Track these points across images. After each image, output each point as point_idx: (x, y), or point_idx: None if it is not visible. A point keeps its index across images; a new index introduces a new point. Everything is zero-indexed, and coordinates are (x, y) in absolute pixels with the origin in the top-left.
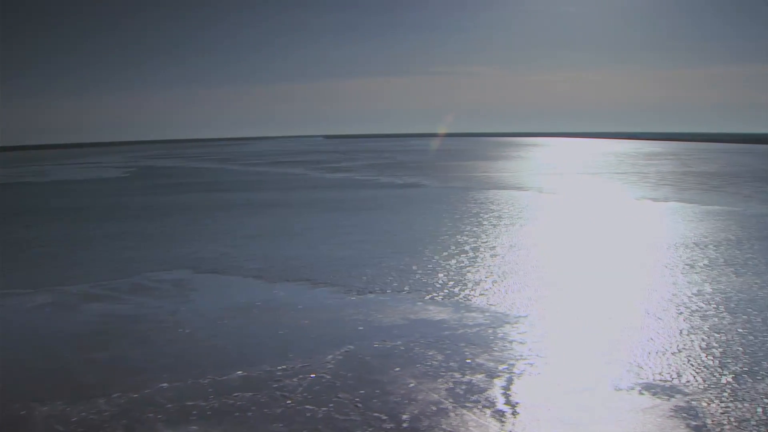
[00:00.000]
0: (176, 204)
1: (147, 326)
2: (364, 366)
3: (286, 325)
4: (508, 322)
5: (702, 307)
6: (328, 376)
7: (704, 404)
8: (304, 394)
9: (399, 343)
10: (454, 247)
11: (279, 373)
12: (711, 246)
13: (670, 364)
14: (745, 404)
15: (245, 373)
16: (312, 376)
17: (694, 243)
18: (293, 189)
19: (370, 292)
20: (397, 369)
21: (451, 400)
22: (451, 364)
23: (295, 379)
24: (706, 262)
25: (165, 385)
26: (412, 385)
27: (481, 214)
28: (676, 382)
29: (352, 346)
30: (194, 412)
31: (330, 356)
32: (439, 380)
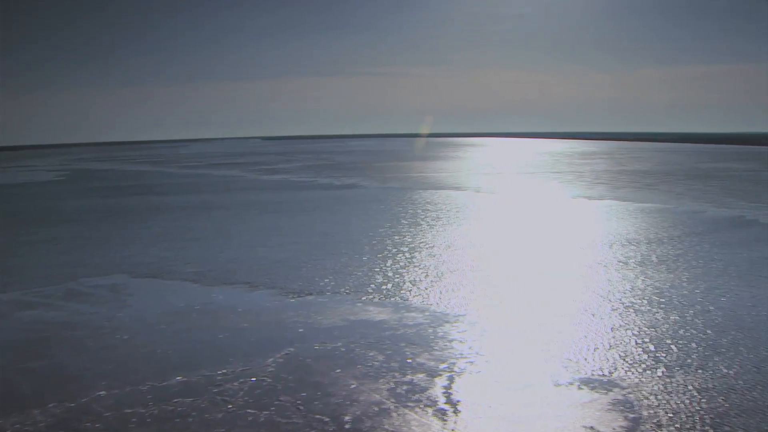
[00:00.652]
0: (112, 208)
1: (83, 333)
2: (305, 368)
3: (226, 329)
4: (447, 321)
5: (635, 303)
6: (268, 380)
7: (640, 397)
8: (245, 398)
9: (339, 344)
10: (392, 248)
11: (219, 378)
12: (644, 243)
13: (607, 360)
14: (678, 396)
15: (185, 379)
16: (252, 379)
17: (627, 240)
18: (230, 191)
19: (309, 294)
20: (338, 370)
21: (393, 400)
22: (392, 364)
23: (235, 383)
24: (639, 258)
25: (103, 393)
26: (353, 386)
27: (419, 215)
28: (612, 376)
29: (292, 349)
30: (133, 420)
31: (270, 359)
32: (381, 380)
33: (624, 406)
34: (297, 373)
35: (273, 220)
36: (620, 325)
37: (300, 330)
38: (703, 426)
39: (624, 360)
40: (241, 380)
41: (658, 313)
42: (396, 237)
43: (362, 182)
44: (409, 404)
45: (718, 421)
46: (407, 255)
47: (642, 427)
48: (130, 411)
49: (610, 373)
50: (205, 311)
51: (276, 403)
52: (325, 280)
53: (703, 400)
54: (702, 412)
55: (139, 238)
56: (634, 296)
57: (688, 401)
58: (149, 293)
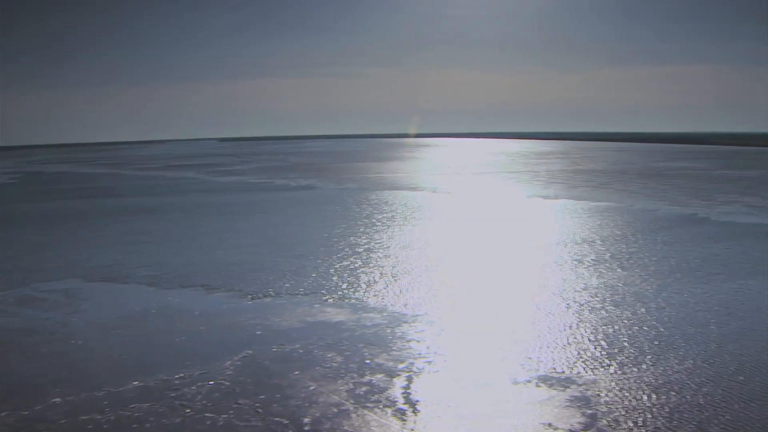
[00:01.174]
0: (66, 211)
1: (37, 339)
2: (263, 370)
3: (183, 332)
4: (405, 322)
5: (590, 301)
6: (227, 383)
7: (596, 394)
8: (203, 402)
9: (297, 346)
10: (348, 249)
11: (177, 382)
12: (598, 241)
13: (563, 357)
14: (632, 392)
15: (142, 384)
16: (210, 383)
17: (582, 239)
18: (186, 193)
19: (267, 296)
20: (297, 372)
21: (352, 401)
22: (351, 365)
23: (193, 387)
24: (593, 257)
25: (57, 400)
26: (312, 387)
27: (375, 215)
28: (569, 373)
29: (250, 351)
30: (89, 427)
31: (228, 362)
32: (340, 382)
33: (581, 402)
34: (255, 375)
35: (229, 222)
36: (575, 323)
37: (258, 332)
38: (656, 420)
39: (580, 357)
40: (199, 384)
41: (612, 310)
42: (352, 238)
43: (318, 183)
44: (369, 405)
45: (670, 416)
46: (364, 256)
47: (599, 423)
48: (86, 417)
49: (567, 370)
50: (162, 315)
51: (234, 406)
52: (282, 282)
53: (656, 396)
54: (655, 408)
55: (93, 241)
56: (588, 294)
57: (642, 397)
58: (104, 297)
